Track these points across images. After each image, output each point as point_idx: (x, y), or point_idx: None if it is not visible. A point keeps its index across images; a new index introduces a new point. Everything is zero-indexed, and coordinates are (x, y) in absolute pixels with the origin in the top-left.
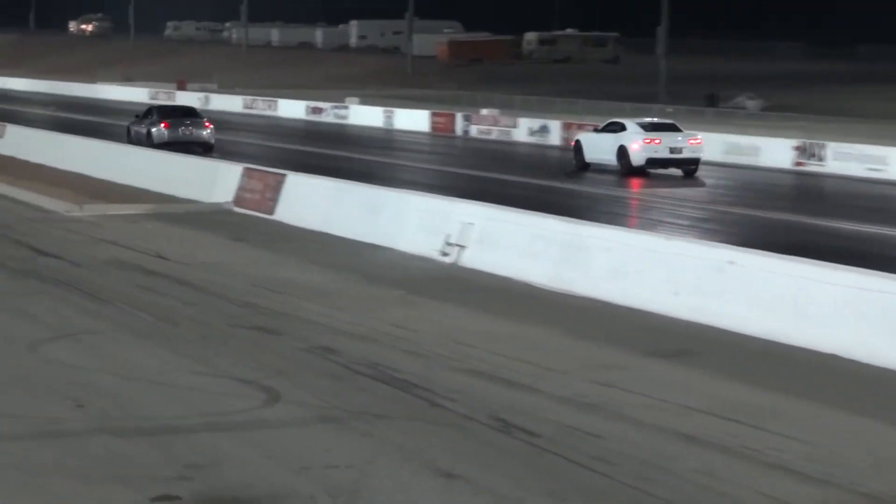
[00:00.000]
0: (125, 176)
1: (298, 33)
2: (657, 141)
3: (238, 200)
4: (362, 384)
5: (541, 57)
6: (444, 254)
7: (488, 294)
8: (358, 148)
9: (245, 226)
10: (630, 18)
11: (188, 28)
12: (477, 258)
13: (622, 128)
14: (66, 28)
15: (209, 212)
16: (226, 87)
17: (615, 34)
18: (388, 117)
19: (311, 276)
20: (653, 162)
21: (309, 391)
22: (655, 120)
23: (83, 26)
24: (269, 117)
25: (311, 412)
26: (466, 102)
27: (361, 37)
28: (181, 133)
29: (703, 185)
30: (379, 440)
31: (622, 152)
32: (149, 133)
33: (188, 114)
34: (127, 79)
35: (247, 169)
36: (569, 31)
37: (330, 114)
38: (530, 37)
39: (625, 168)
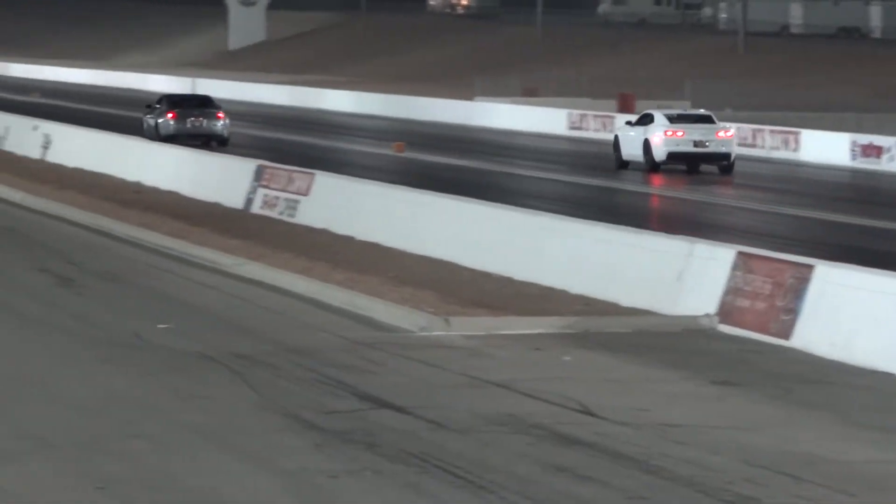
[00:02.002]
0: (528, 266)
1: (839, 12)
2: (680, 133)
3: (726, 311)
4: None
5: None
6: None
7: None
8: None
9: (738, 358)
10: None
11: (641, 2)
12: None
13: (650, 119)
14: (422, 2)
15: (673, 331)
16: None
17: None
18: None
19: (861, 452)
20: (674, 156)
21: None
22: (688, 111)
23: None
24: (779, 161)
25: None
26: None
27: None
28: (190, 125)
29: None
30: None
31: (646, 146)
32: (156, 125)
33: (201, 103)
34: (528, 93)
35: (743, 256)
36: None
37: (895, 157)
38: None
39: (648, 164)
